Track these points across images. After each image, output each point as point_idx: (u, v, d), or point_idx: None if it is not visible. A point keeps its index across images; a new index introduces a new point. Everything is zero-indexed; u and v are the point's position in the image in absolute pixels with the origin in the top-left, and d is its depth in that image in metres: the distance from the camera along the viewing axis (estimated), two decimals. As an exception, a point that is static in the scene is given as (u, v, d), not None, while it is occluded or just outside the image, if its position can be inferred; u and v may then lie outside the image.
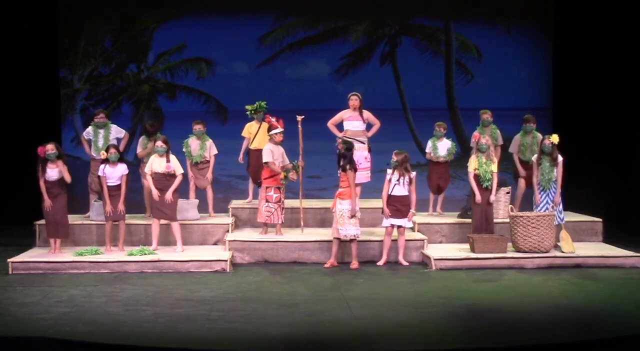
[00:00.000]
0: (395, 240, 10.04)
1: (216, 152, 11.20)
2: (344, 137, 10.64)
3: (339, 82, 13.72)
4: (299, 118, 10.53)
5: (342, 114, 11.10)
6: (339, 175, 9.92)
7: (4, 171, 12.80)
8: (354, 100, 10.98)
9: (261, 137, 11.12)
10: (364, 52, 13.91)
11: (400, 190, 9.88)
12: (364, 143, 10.92)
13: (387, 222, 9.94)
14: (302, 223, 10.64)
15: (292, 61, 13.86)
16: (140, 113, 13.52)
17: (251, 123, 11.43)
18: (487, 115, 11.39)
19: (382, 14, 13.87)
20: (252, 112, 11.30)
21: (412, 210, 9.92)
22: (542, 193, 10.34)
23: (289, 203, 11.04)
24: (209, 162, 11.18)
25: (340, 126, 11.18)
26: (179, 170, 10.10)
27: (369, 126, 11.11)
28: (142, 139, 11.13)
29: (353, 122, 11.04)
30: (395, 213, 9.89)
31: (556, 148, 10.29)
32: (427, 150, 11.42)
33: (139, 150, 11.13)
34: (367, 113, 11.10)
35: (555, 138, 10.27)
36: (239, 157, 11.50)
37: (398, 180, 9.86)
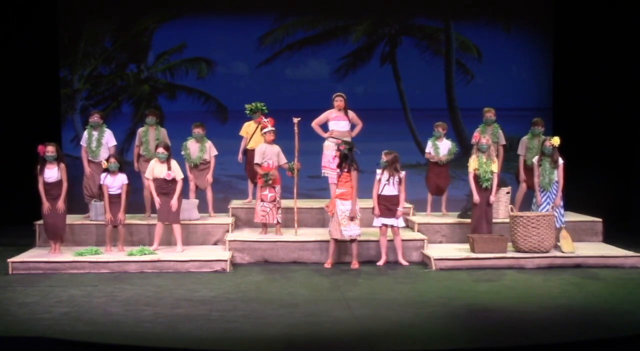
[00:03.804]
0: (391, 240, 10.04)
1: (216, 153, 11.20)
2: (334, 137, 10.72)
3: (339, 82, 13.72)
4: (295, 120, 10.55)
5: (328, 114, 11.15)
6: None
7: (4, 171, 12.79)
8: (339, 101, 11.06)
9: (258, 136, 11.12)
10: (364, 52, 13.92)
11: (390, 189, 9.89)
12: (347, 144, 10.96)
13: (377, 221, 9.95)
14: (296, 225, 10.61)
15: (292, 61, 13.86)
16: (140, 113, 13.51)
17: (249, 122, 11.45)
18: (490, 114, 11.37)
19: (382, 14, 13.87)
20: (250, 112, 11.33)
21: (400, 208, 9.92)
22: (542, 194, 10.34)
23: (288, 203, 11.04)
24: (208, 163, 11.19)
25: (324, 126, 11.20)
26: (179, 175, 10.12)
27: (352, 126, 11.17)
28: (140, 131, 11.19)
29: (340, 122, 11.10)
30: (385, 213, 9.90)
31: (557, 150, 10.28)
32: (427, 150, 11.40)
33: (137, 142, 11.17)
34: (351, 114, 11.17)
35: (556, 140, 10.26)
36: (237, 156, 11.53)
37: (388, 179, 9.87)
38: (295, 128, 10.53)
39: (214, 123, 12.81)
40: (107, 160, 10.14)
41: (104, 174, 10.12)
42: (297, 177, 10.56)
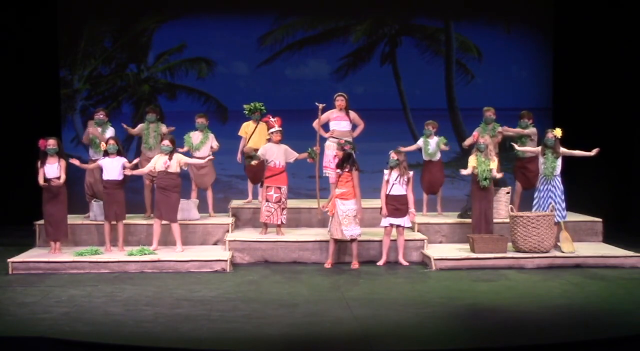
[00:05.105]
0: (394, 240, 10.04)
1: (217, 144, 11.19)
2: (335, 137, 10.79)
3: (339, 82, 13.70)
4: (320, 106, 10.71)
5: (329, 114, 11.16)
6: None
7: (4, 171, 12.80)
8: (340, 100, 11.09)
9: (257, 136, 11.13)
10: (364, 52, 13.91)
11: (399, 189, 9.90)
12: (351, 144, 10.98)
13: (385, 221, 9.95)
14: (318, 199, 10.63)
15: (292, 61, 13.85)
16: (140, 113, 13.50)
17: (248, 122, 11.44)
18: (490, 113, 11.42)
19: (382, 14, 13.86)
20: (249, 112, 11.33)
21: (412, 210, 9.93)
22: (544, 185, 10.33)
23: (291, 203, 11.03)
24: (209, 161, 11.20)
25: (325, 126, 11.21)
26: (186, 160, 10.10)
27: (353, 127, 11.18)
28: (141, 126, 11.20)
29: (341, 122, 11.12)
30: (393, 213, 9.90)
31: (559, 142, 10.31)
32: (419, 143, 11.44)
33: (136, 131, 11.25)
34: (353, 114, 11.19)
35: (558, 132, 10.31)
36: (236, 156, 11.54)
37: (396, 179, 9.87)
38: (319, 113, 10.60)
39: (214, 123, 12.73)
40: (107, 142, 10.10)
41: (103, 156, 10.08)
42: (318, 161, 10.61)
